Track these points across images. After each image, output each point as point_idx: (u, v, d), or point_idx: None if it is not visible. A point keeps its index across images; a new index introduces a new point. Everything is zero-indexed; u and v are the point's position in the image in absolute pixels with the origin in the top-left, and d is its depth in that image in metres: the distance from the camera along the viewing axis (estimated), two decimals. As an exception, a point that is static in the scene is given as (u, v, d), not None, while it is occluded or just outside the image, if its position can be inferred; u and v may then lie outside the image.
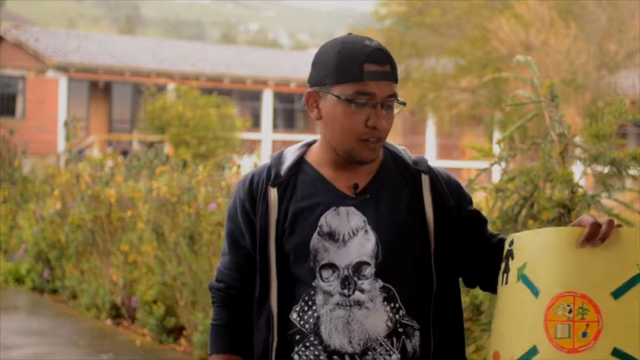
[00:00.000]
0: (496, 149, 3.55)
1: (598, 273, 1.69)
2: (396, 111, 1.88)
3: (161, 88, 23.84)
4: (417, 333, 1.87)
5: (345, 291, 1.83)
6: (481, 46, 17.48)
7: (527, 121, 3.60)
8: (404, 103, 1.88)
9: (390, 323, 1.84)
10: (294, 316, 1.87)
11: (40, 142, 21.96)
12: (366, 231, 1.86)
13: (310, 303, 1.86)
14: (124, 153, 18.29)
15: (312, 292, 1.86)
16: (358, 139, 1.83)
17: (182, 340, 6.23)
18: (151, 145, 18.57)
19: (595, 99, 14.58)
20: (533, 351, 1.70)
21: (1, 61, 23.35)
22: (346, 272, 1.84)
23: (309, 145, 1.98)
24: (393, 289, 1.85)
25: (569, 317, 1.67)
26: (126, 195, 7.49)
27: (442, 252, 1.89)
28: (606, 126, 3.38)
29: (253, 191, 1.92)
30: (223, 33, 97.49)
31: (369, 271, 1.84)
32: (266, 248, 1.88)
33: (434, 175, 1.94)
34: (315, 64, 1.88)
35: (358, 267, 1.84)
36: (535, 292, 1.73)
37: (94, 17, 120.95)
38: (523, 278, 1.77)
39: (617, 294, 1.66)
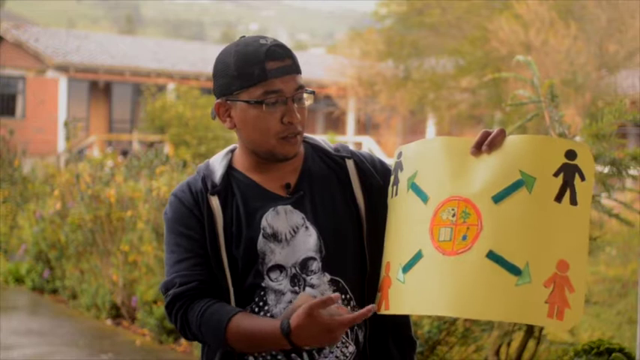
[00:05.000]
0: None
1: (482, 178, 1.69)
2: (307, 102, 1.87)
3: (161, 88, 23.83)
4: (365, 322, 1.88)
5: (296, 288, 1.83)
6: (481, 46, 17.47)
7: (527, 121, 3.61)
8: (313, 92, 1.87)
9: None
10: None
11: (40, 142, 21.96)
12: (306, 227, 1.86)
13: (262, 303, 1.85)
14: (124, 153, 18.29)
15: (263, 293, 1.85)
16: (277, 137, 1.83)
17: (182, 340, 6.23)
18: (150, 145, 18.56)
19: (595, 99, 14.57)
20: (419, 255, 1.72)
21: (1, 61, 23.33)
22: (294, 270, 1.84)
23: (232, 151, 1.98)
24: (341, 281, 1.86)
25: (452, 221, 1.68)
26: (126, 195, 7.49)
27: (374, 233, 1.89)
28: (606, 126, 3.39)
29: (196, 199, 1.89)
30: (223, 33, 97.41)
31: (315, 265, 1.85)
32: (219, 255, 1.86)
33: (357, 158, 1.96)
34: (216, 74, 1.87)
35: (305, 263, 1.85)
36: (424, 198, 1.75)
37: (94, 17, 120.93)
38: (413, 187, 1.79)
39: (497, 198, 1.67)
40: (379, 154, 21.60)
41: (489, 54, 17.06)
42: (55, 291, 8.28)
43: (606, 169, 3.43)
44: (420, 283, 1.69)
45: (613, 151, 3.44)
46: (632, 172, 3.42)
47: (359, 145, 22.92)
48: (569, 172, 1.66)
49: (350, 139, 24.21)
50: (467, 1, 18.78)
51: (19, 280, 8.86)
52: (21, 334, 6.66)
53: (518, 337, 4.30)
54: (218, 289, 1.85)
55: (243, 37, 1.88)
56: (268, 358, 1.85)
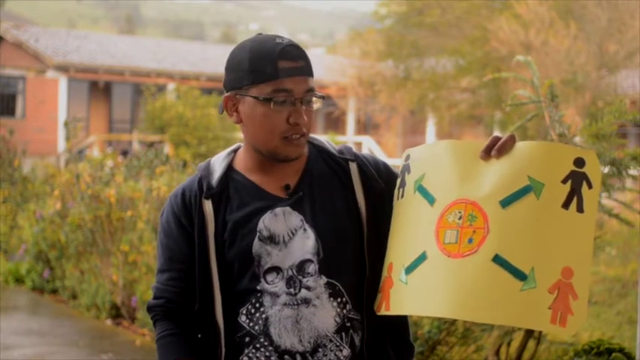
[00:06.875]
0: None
1: (491, 182, 1.70)
2: (316, 105, 1.87)
3: (161, 88, 23.82)
4: (362, 325, 1.88)
5: (291, 290, 1.83)
6: (481, 46, 17.45)
7: (527, 121, 3.61)
8: (323, 97, 1.87)
9: (338, 319, 1.85)
10: (242, 318, 1.87)
11: (40, 142, 21.95)
12: (304, 229, 1.86)
13: (258, 305, 1.85)
14: (124, 153, 18.29)
15: (259, 295, 1.85)
16: (281, 137, 1.83)
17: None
18: (150, 145, 18.56)
19: (595, 99, 14.56)
20: (423, 257, 1.72)
21: (1, 61, 23.33)
22: (290, 272, 1.84)
23: (235, 151, 1.97)
24: (337, 284, 1.86)
25: (459, 223, 1.69)
26: (126, 195, 7.50)
27: (374, 237, 1.89)
28: (606, 126, 3.39)
29: (187, 205, 1.90)
30: (223, 33, 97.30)
31: (312, 268, 1.84)
32: (206, 261, 1.87)
33: (361, 161, 1.95)
34: (229, 68, 1.87)
35: (302, 265, 1.84)
36: (431, 200, 1.76)
37: (94, 17, 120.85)
38: (420, 189, 1.79)
39: (505, 203, 1.67)
40: (379, 154, 21.60)
41: (489, 54, 17.04)
42: (55, 291, 8.28)
43: (606, 169, 3.43)
44: (423, 285, 1.69)
45: (613, 151, 3.44)
46: (632, 172, 3.43)
47: (359, 145, 22.91)
48: (577, 180, 1.67)
49: (350, 139, 24.20)
50: (467, 1, 18.76)
51: (19, 280, 8.86)
52: (21, 334, 6.66)
53: (518, 337, 4.31)
54: (184, 308, 1.92)
55: (260, 34, 1.88)
56: (262, 359, 1.85)
